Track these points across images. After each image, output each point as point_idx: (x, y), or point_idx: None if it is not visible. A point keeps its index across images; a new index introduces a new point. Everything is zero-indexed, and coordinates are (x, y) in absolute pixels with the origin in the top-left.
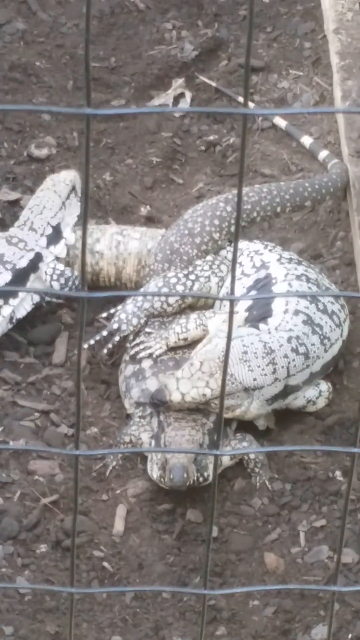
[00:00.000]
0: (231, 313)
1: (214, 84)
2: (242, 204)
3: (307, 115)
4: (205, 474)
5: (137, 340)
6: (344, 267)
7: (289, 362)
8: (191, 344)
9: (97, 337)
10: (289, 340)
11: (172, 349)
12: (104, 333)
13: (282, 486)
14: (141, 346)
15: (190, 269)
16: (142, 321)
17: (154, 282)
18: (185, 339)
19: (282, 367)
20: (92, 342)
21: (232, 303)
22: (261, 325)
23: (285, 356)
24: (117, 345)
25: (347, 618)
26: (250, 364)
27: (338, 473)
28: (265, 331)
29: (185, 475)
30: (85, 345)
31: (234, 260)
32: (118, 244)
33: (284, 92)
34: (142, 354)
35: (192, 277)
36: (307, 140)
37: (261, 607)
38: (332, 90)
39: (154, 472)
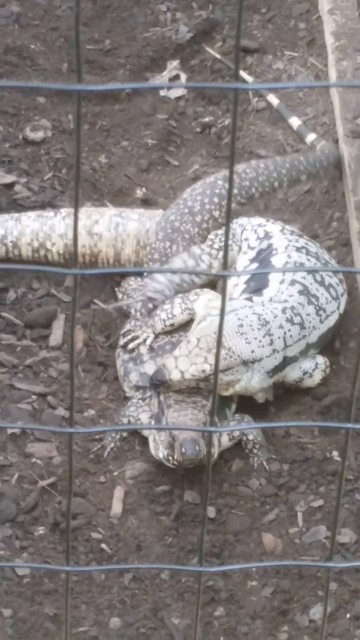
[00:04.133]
0: (224, 289)
1: (218, 55)
2: (241, 181)
3: (302, 96)
4: (212, 450)
5: (125, 329)
6: (340, 247)
7: (284, 333)
8: (185, 326)
9: (123, 303)
10: (284, 311)
11: (166, 333)
12: (140, 297)
13: (279, 467)
14: (129, 336)
15: (212, 237)
16: (171, 293)
17: (180, 257)
18: (172, 325)
19: (279, 337)
20: (114, 304)
21: (225, 279)
22: (255, 298)
23: (281, 326)
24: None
25: (345, 598)
26: (247, 336)
27: (335, 453)
28: (259, 303)
29: (197, 448)
30: (109, 306)
31: (227, 238)
32: (117, 226)
33: (278, 73)
34: (131, 345)
35: (215, 246)
36: (295, 122)
37: (259, 588)
38: (327, 71)
39: (160, 452)
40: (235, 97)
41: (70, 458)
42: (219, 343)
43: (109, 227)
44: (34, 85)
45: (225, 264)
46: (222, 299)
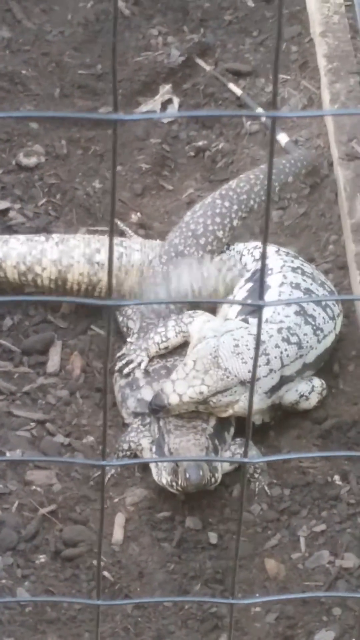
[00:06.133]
0: (259, 319)
1: (239, 91)
2: (238, 195)
3: (296, 118)
4: (216, 475)
5: (119, 353)
6: (337, 270)
7: (281, 352)
8: (179, 350)
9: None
10: (279, 331)
11: (161, 356)
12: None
13: (281, 491)
14: (123, 360)
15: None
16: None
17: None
18: (166, 348)
19: (275, 357)
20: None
21: (261, 309)
22: (250, 319)
23: (277, 346)
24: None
25: (350, 623)
26: (243, 356)
27: (337, 477)
28: (255, 324)
29: (200, 473)
30: None
31: (263, 266)
32: (121, 256)
33: (271, 96)
34: (126, 370)
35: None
36: (283, 139)
37: (263, 614)
38: (320, 94)
39: (163, 478)
40: (273, 125)
41: (102, 490)
42: (255, 369)
43: None
44: (74, 115)
45: (261, 294)
46: (257, 327)
